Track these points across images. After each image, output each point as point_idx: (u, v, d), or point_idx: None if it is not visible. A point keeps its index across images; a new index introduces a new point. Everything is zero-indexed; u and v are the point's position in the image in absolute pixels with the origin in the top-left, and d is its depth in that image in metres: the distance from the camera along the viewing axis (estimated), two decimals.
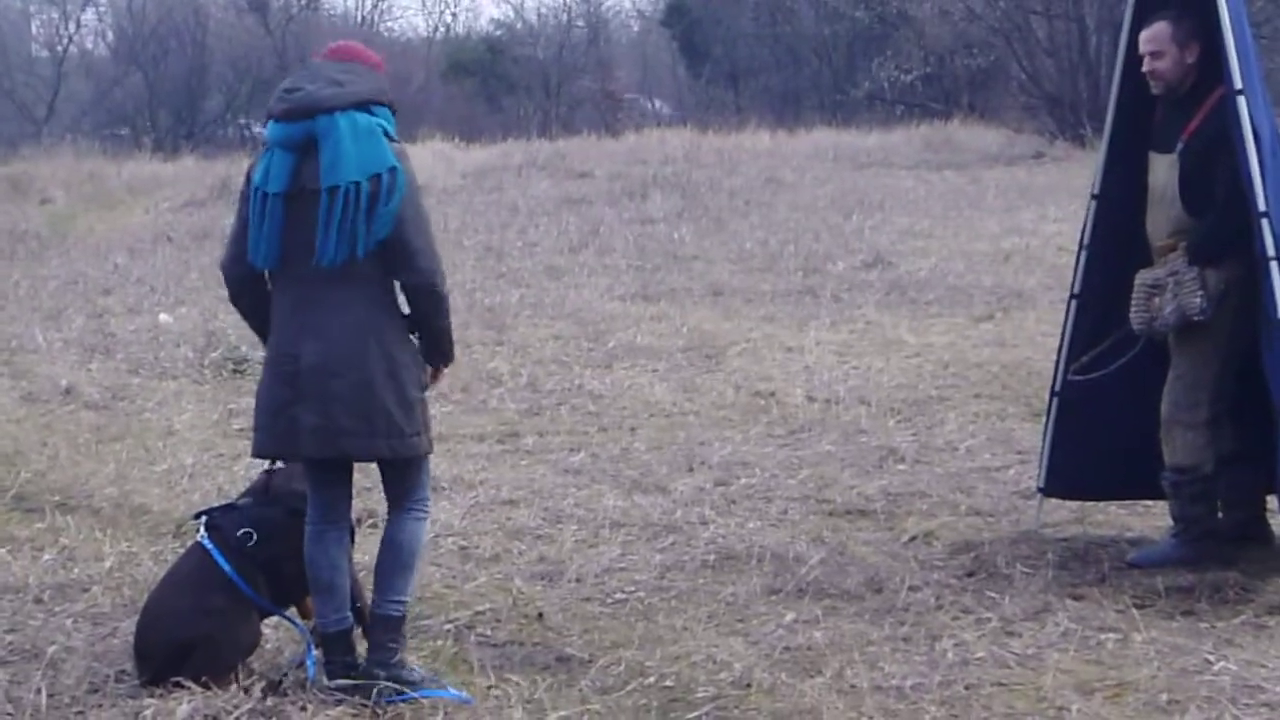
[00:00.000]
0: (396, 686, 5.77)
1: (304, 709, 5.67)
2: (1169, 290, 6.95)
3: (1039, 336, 12.73)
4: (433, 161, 33.00)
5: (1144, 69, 7.10)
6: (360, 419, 5.62)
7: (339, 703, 5.72)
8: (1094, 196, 7.51)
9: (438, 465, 9.24)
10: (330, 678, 5.84)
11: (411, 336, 5.83)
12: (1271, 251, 6.57)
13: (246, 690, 5.75)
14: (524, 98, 55.01)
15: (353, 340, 5.63)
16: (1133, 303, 7.10)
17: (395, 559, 5.87)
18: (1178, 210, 7.01)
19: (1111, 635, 6.24)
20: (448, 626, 6.67)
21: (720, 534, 7.89)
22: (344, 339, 5.63)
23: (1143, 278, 7.09)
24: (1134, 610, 6.49)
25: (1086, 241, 7.53)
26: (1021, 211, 21.81)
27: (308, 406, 5.62)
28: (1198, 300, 6.88)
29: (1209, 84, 6.92)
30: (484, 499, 8.74)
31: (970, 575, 7.14)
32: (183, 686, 5.75)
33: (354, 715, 5.65)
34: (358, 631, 6.03)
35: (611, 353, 13.07)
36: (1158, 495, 7.40)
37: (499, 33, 61.16)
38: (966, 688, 5.78)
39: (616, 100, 52.44)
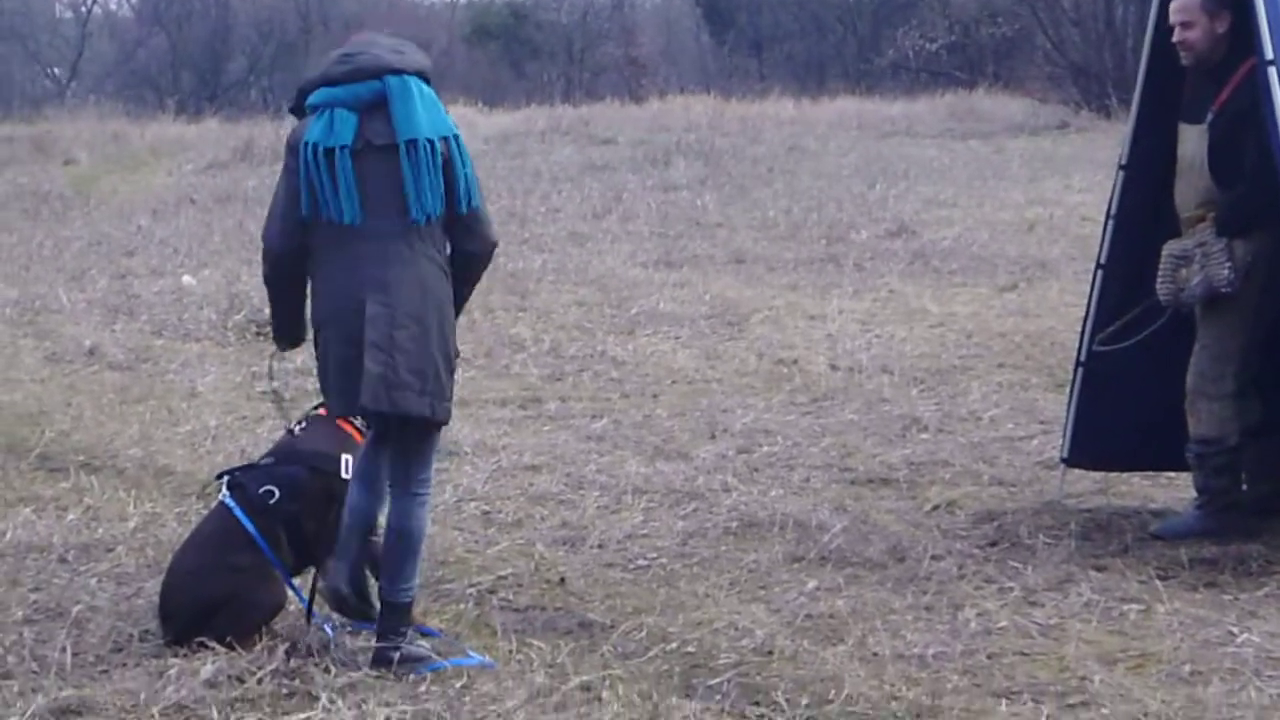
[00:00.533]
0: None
1: (327, 670, 5.69)
2: (1196, 261, 6.93)
3: (1063, 307, 12.69)
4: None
5: (1174, 39, 7.06)
6: (416, 374, 5.62)
7: (360, 666, 5.74)
8: (1121, 167, 7.48)
9: (460, 429, 9.33)
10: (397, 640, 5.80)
11: None
12: None
13: (270, 651, 5.78)
14: (547, 63, 54.86)
15: (414, 295, 5.64)
16: (1159, 274, 7.08)
17: (406, 547, 5.83)
18: (1206, 181, 6.98)
19: (1134, 606, 6.24)
20: (470, 591, 6.69)
21: (742, 501, 7.89)
22: (407, 294, 5.63)
23: (1170, 249, 7.06)
24: (1157, 581, 6.48)
25: (1114, 212, 7.50)
26: (1046, 181, 21.73)
27: (373, 356, 5.60)
28: (1225, 272, 6.85)
29: (1240, 55, 6.87)
30: (506, 464, 8.76)
31: (993, 545, 7.13)
32: (207, 646, 5.78)
33: (376, 677, 5.67)
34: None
35: (634, 319, 13.07)
36: (1181, 467, 7.39)
37: None
38: (989, 657, 5.78)
39: (640, 66, 52.28)
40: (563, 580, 6.81)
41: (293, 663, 5.73)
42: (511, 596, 6.66)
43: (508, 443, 9.23)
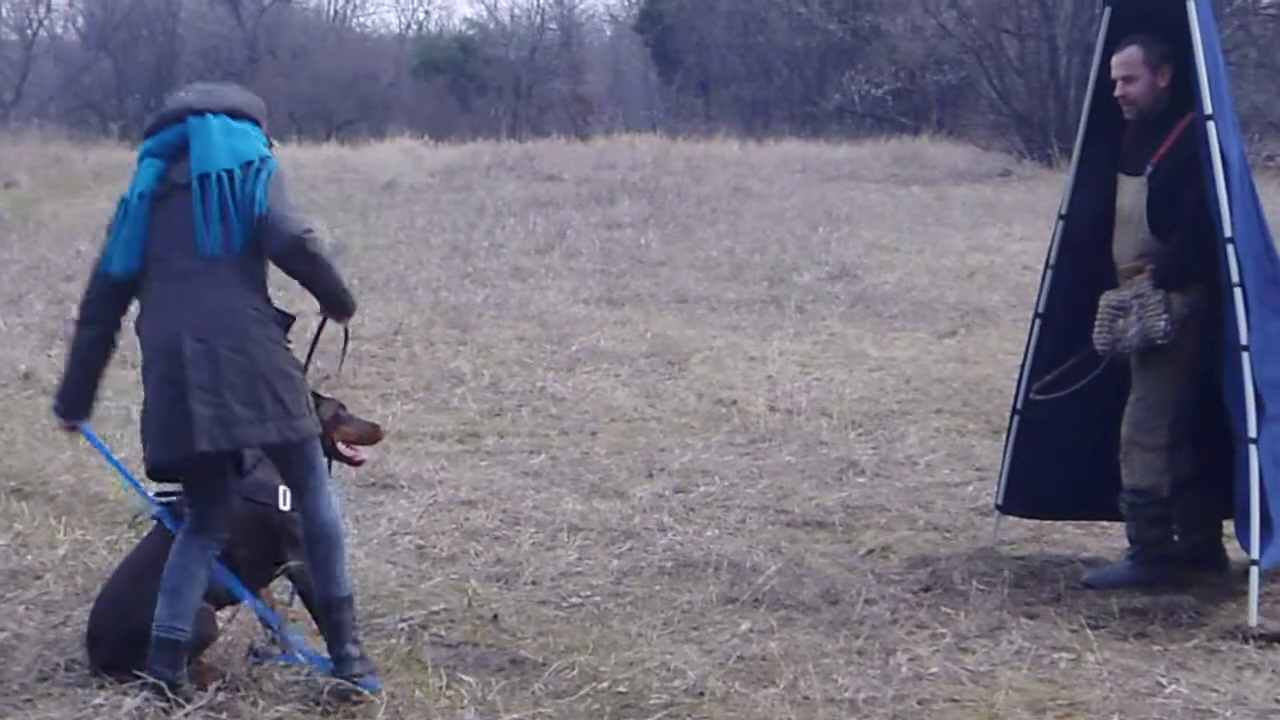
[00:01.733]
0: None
1: (254, 704, 5.65)
2: (1134, 312, 6.98)
3: (1001, 354, 12.76)
4: (401, 159, 32.98)
5: (1116, 93, 7.12)
6: (250, 405, 5.55)
7: (289, 700, 5.70)
8: (1061, 216, 7.53)
9: (397, 462, 9.28)
10: (151, 676, 5.66)
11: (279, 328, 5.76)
12: (1235, 277, 6.60)
13: (199, 683, 5.73)
14: (494, 98, 54.92)
15: (233, 326, 5.58)
16: (1097, 324, 7.12)
17: (329, 543, 5.82)
18: (1145, 233, 7.03)
19: (1065, 655, 6.26)
20: (402, 625, 6.65)
21: (678, 541, 7.88)
22: (225, 325, 5.57)
23: (1108, 299, 7.11)
24: (1088, 630, 6.50)
25: (1052, 261, 7.55)
26: (987, 229, 21.86)
27: (200, 397, 5.52)
28: (1162, 324, 6.90)
29: (1179, 108, 6.94)
30: (442, 498, 8.72)
31: (926, 590, 7.15)
32: (136, 677, 5.72)
33: (304, 712, 5.63)
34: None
35: (575, 356, 13.06)
36: (1115, 516, 7.43)
37: (471, 32, 61.06)
38: (919, 703, 5.78)
39: (587, 104, 52.40)
40: (495, 617, 6.79)
41: (221, 696, 5.68)
42: (443, 632, 6.63)
43: (444, 477, 9.19)
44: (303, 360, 5.93)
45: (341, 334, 6.33)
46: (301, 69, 55.44)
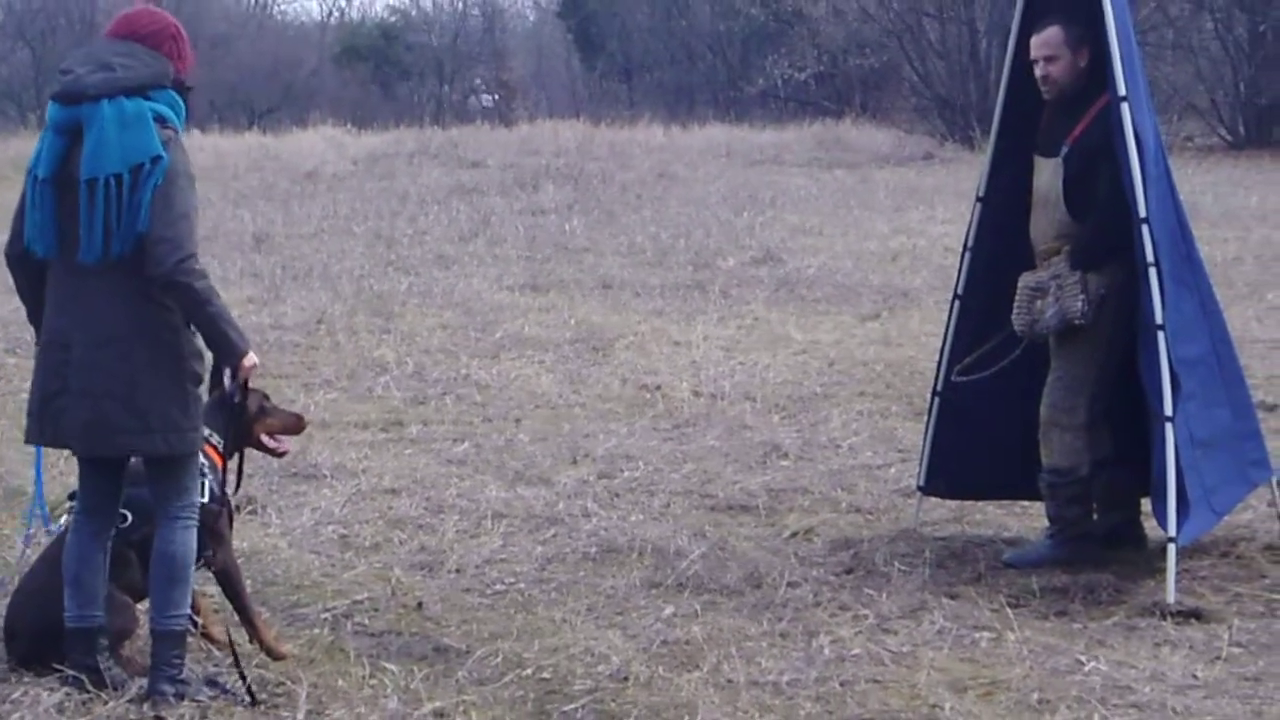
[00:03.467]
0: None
1: (179, 695, 5.62)
2: (1051, 293, 7.02)
3: (923, 336, 12.83)
4: (324, 147, 32.84)
5: (1037, 73, 7.15)
6: (133, 415, 5.47)
7: (213, 689, 5.68)
8: (979, 199, 7.58)
9: (320, 451, 9.25)
10: (70, 668, 5.64)
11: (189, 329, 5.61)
12: (1150, 257, 6.66)
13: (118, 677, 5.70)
14: (418, 85, 54.73)
15: (123, 335, 5.47)
16: (1015, 305, 7.16)
17: (170, 573, 5.63)
18: (1061, 214, 7.08)
19: (986, 634, 6.30)
20: (325, 615, 6.63)
21: (602, 527, 7.88)
22: (114, 333, 5.47)
23: (1025, 280, 7.15)
24: (1008, 610, 6.55)
25: (970, 243, 7.59)
26: (910, 212, 21.98)
27: (77, 400, 5.48)
28: (1079, 304, 6.95)
29: (1095, 90, 6.98)
30: (366, 487, 8.69)
31: (849, 572, 7.18)
32: (56, 671, 5.68)
33: (225, 703, 5.61)
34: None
35: (499, 343, 13.05)
36: (1035, 496, 7.48)
37: (394, 19, 60.83)
38: (842, 684, 5.81)
39: (510, 90, 52.29)
40: (420, 605, 6.77)
41: (140, 686, 5.64)
42: (367, 621, 6.61)
43: (368, 466, 9.17)
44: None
45: (238, 388, 5.92)
46: (222, 57, 54.98)
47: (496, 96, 51.73)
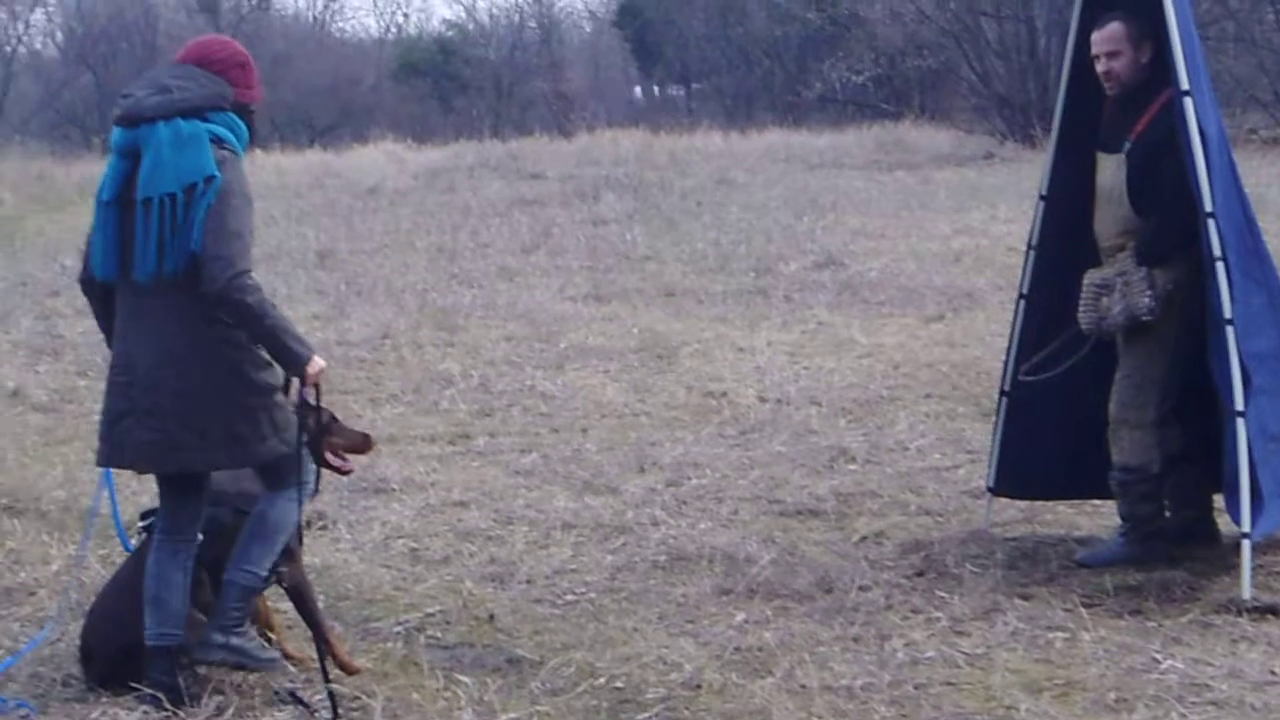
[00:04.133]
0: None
1: (253, 710, 5.65)
2: (1117, 290, 6.98)
3: (988, 336, 12.76)
4: (384, 162, 32.99)
5: (1099, 70, 7.11)
6: (194, 432, 5.56)
7: (286, 705, 5.70)
8: (1041, 197, 7.54)
9: (388, 465, 9.28)
10: (149, 686, 5.70)
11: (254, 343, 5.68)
12: (1218, 251, 6.61)
13: (195, 697, 5.73)
14: (476, 98, 54.90)
15: (182, 353, 5.57)
16: (1081, 303, 7.12)
17: (259, 531, 5.80)
18: (1126, 210, 7.03)
19: (1059, 634, 6.27)
20: (398, 629, 6.65)
21: (671, 535, 7.88)
22: (175, 352, 5.57)
23: (1091, 278, 7.11)
24: (1082, 609, 6.51)
25: (1034, 242, 7.56)
26: (972, 212, 21.87)
27: (140, 420, 5.58)
28: (1146, 300, 6.90)
29: (1157, 85, 6.94)
30: (435, 500, 8.72)
31: (920, 575, 7.15)
32: (132, 689, 5.72)
33: (299, 718, 5.64)
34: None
35: (563, 354, 13.06)
36: (1106, 495, 7.43)
37: (451, 33, 61.04)
38: (915, 687, 5.79)
39: (568, 101, 52.37)
40: (491, 617, 6.78)
41: (216, 703, 5.68)
42: (439, 634, 6.63)
43: (436, 479, 9.19)
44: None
45: (305, 399, 5.90)
46: (282, 76, 55.25)
47: (553, 109, 51.80)
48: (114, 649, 5.89)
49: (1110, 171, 7.09)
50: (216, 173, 5.50)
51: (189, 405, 5.55)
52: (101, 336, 6.01)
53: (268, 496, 5.85)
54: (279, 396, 5.75)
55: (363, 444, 6.42)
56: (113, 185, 5.63)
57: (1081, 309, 7.11)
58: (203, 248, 5.47)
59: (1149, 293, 6.90)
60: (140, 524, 6.23)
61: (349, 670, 6.06)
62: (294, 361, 5.69)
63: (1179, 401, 7.08)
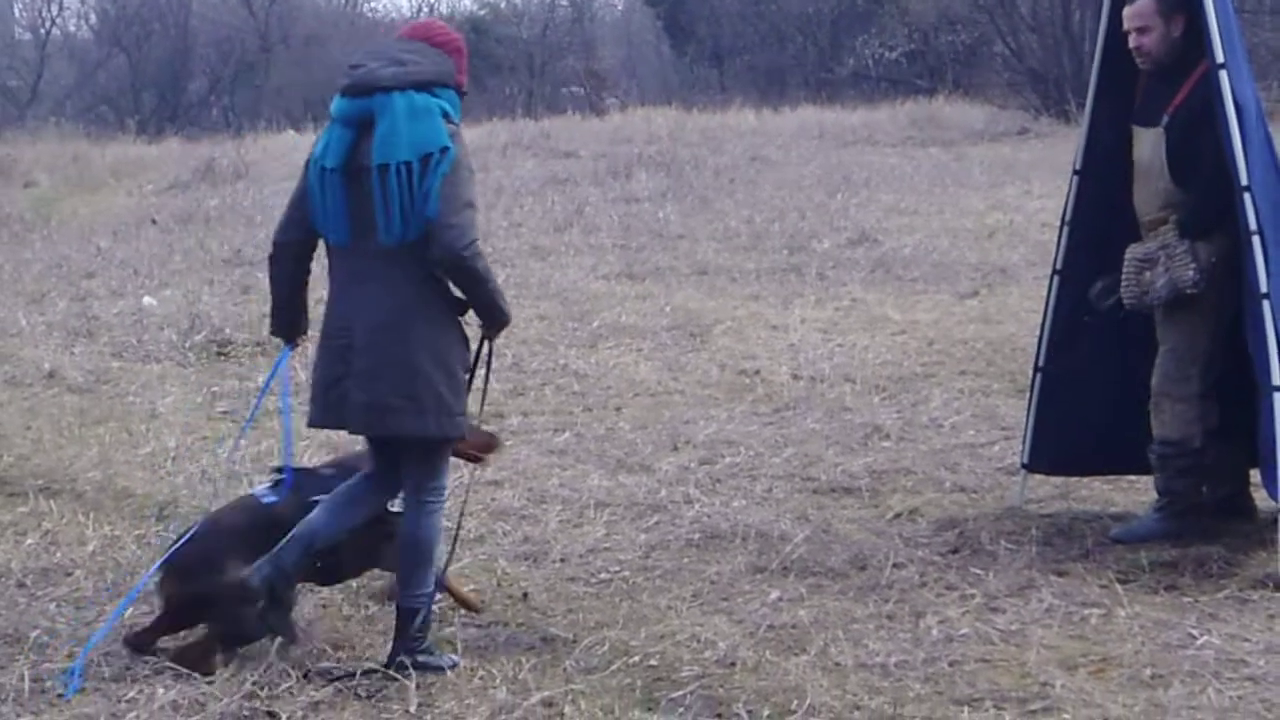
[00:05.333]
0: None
1: (290, 692, 5.67)
2: (1160, 264, 6.95)
3: (1023, 312, 12.72)
4: None
5: (1130, 44, 7.08)
6: (408, 397, 5.75)
7: (324, 685, 5.72)
8: (1076, 172, 7.51)
9: None
10: (271, 631, 5.99)
11: (460, 318, 5.93)
12: (1254, 225, 6.58)
13: (234, 674, 5.76)
14: (508, 77, 54.88)
15: (402, 319, 5.76)
16: (1124, 278, 7.09)
17: (416, 557, 5.96)
18: (1166, 184, 7.00)
19: (1095, 610, 6.25)
20: (433, 608, 6.65)
21: (705, 513, 7.88)
22: (394, 317, 5.76)
23: (1133, 252, 7.08)
24: (1117, 585, 6.50)
25: (1069, 217, 7.53)
26: (1006, 187, 21.79)
27: (358, 383, 5.77)
28: (1190, 273, 6.88)
29: (1193, 58, 6.90)
30: (468, 479, 8.69)
31: (954, 552, 7.14)
32: (170, 669, 5.76)
33: (339, 693, 5.65)
34: None
35: (596, 332, 13.06)
36: (1140, 470, 7.42)
37: (483, 12, 60.96)
38: (950, 664, 5.79)
39: (600, 79, 52.32)
40: (525, 595, 6.79)
41: (251, 682, 5.70)
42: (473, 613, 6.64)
43: None
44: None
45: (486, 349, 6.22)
46: (315, 57, 55.31)
47: (586, 88, 51.73)
48: (195, 592, 5.97)
49: (1149, 146, 7.05)
50: (450, 144, 5.72)
51: (404, 371, 5.74)
52: (267, 308, 6.27)
53: (410, 515, 5.99)
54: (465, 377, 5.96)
55: (489, 443, 6.67)
56: (338, 152, 5.81)
57: (1124, 284, 7.08)
58: (438, 215, 5.67)
59: (1193, 265, 6.87)
60: (268, 476, 6.47)
61: (473, 609, 6.47)
62: (501, 321, 6.05)
63: (1218, 376, 7.04)
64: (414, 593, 5.93)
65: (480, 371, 6.18)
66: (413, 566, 5.95)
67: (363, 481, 6.12)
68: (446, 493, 6.12)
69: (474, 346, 6.08)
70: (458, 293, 5.88)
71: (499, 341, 6.25)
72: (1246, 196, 6.58)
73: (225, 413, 10.64)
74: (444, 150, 5.69)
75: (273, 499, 6.23)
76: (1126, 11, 7.09)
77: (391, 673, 5.82)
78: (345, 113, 5.84)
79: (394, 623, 6.01)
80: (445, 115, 5.81)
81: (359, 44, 57.21)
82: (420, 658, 5.90)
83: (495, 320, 6.02)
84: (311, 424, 6.07)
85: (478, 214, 5.85)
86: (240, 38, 55.30)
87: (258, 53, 55.04)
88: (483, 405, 6.40)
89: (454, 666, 5.92)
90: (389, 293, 5.76)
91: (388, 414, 5.76)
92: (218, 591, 5.92)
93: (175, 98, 54.10)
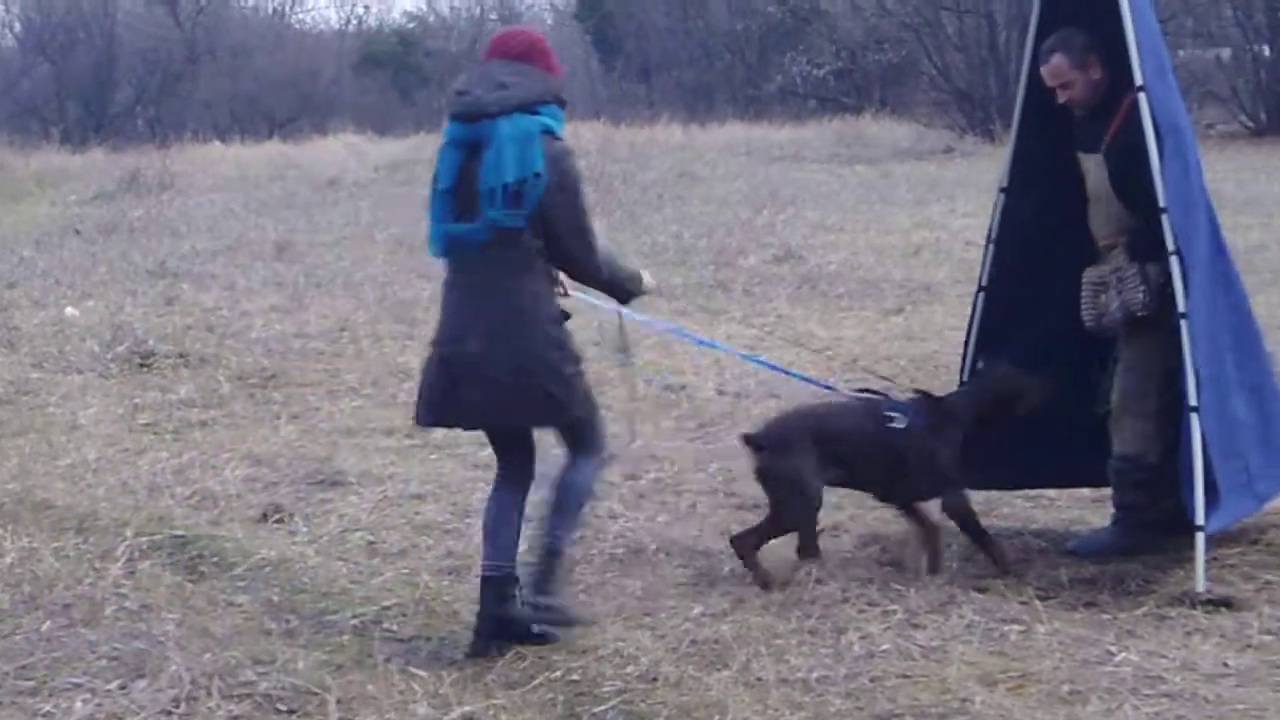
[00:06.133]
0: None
1: (215, 707, 5.63)
2: (1113, 287, 7.03)
3: (947, 330, 12.79)
4: (345, 155, 32.90)
5: (1059, 100, 7.17)
6: (518, 398, 6.16)
7: (243, 699, 5.69)
8: (1001, 190, 7.56)
9: (346, 458, 9.27)
10: (478, 622, 6.29)
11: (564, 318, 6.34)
12: (1171, 246, 6.64)
13: (152, 688, 5.71)
14: (436, 91, 54.79)
15: (510, 328, 6.14)
16: (1082, 301, 7.17)
17: (564, 501, 6.39)
18: (1116, 208, 7.07)
19: (1015, 627, 6.28)
20: (354, 621, 6.64)
21: (629, 528, 7.88)
22: (503, 322, 6.14)
23: (1088, 276, 7.16)
24: (1037, 602, 6.54)
25: (994, 235, 7.58)
26: (931, 205, 21.93)
27: (469, 386, 6.16)
28: (1140, 295, 6.94)
29: (1123, 87, 6.94)
30: (392, 493, 8.70)
31: (877, 568, 7.16)
32: (81, 688, 5.70)
33: (258, 710, 5.62)
34: None
35: None
36: (1062, 485, 7.47)
37: (411, 25, 60.93)
38: (871, 680, 5.80)
39: None
40: (455, 612, 6.76)
41: (172, 698, 5.66)
42: (395, 627, 6.62)
43: (394, 472, 9.17)
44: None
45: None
46: (242, 68, 55.21)
47: None
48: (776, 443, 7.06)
49: (1094, 172, 7.14)
50: (543, 170, 6.04)
51: (512, 370, 6.11)
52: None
53: (573, 466, 6.41)
54: (584, 366, 6.36)
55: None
56: (449, 174, 6.19)
57: (1083, 307, 7.17)
58: (559, 237, 6.15)
59: (1142, 288, 6.94)
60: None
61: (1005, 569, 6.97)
62: (625, 297, 6.77)
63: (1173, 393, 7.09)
64: (555, 533, 6.36)
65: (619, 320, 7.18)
66: (560, 510, 6.37)
67: (499, 486, 6.49)
68: (605, 455, 6.52)
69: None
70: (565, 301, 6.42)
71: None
72: (1164, 218, 6.64)
73: (147, 425, 10.57)
74: (537, 175, 6.01)
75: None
76: (1043, 72, 7.19)
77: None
78: (456, 137, 6.20)
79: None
80: (549, 132, 6.12)
81: (286, 55, 57.12)
82: (544, 599, 6.30)
83: (622, 296, 6.72)
84: (419, 423, 6.49)
85: (592, 221, 6.30)
86: (167, 48, 55.02)
87: (184, 63, 54.78)
88: (625, 347, 7.55)
89: (574, 623, 6.35)
90: (497, 303, 6.14)
91: (499, 412, 6.21)
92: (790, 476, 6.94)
93: (100, 107, 53.76)
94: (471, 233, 6.10)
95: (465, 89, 6.23)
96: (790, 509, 7.07)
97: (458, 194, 6.16)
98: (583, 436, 6.42)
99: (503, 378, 6.11)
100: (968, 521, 7.12)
